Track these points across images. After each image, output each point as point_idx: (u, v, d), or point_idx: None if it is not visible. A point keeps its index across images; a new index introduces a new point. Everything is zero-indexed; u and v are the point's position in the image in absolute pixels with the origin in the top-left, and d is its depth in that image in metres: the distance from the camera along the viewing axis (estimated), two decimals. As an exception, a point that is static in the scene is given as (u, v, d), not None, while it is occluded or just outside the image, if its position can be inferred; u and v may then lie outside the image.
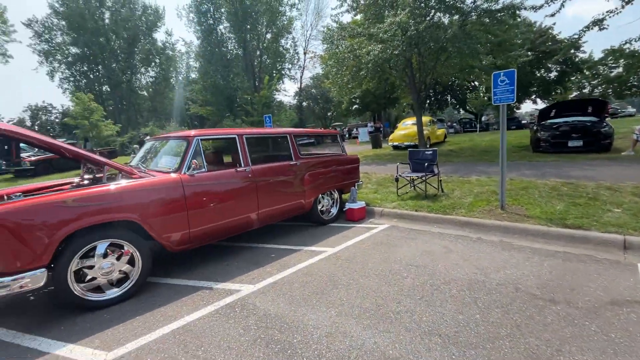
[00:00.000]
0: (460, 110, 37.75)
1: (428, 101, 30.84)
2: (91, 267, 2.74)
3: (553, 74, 27.56)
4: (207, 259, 3.80)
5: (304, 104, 46.63)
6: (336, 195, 5.27)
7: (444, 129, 19.29)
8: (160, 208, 3.09)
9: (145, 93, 40.86)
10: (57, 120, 46.03)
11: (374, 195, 6.14)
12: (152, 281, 3.24)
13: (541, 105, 36.50)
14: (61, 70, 34.52)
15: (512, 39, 10.27)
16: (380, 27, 9.53)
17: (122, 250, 2.89)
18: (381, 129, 27.26)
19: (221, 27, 30.82)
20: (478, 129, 23.67)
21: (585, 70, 27.33)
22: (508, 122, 27.70)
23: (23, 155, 12.96)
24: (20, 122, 44.55)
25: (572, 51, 25.35)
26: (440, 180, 5.87)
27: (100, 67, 35.20)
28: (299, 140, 4.82)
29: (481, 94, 25.70)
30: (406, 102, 16.24)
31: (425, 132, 13.48)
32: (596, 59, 27.92)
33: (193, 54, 33.38)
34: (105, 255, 2.79)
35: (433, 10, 10.06)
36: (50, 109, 47.00)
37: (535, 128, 10.84)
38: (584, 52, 28.38)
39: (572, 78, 28.69)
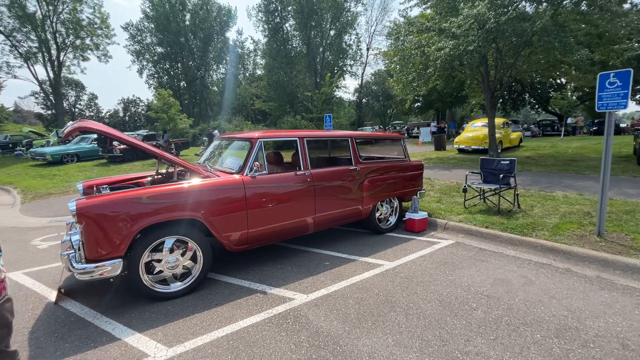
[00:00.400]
0: (540, 111, 33.66)
1: (501, 100, 28.05)
2: (159, 261, 2.92)
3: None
4: (263, 259, 3.84)
5: (364, 100, 45.94)
6: (396, 203, 4.97)
7: (520, 132, 17.33)
8: (222, 208, 3.17)
9: (215, 88, 44.04)
10: (142, 112, 52.09)
11: (436, 205, 5.68)
12: (211, 277, 3.36)
13: (647, 106, 30.88)
14: (148, 67, 38.84)
15: (618, 30, 8.66)
16: (454, 22, 8.78)
17: (187, 247, 3.03)
18: (445, 130, 25.63)
19: (287, 24, 31.71)
20: (562, 133, 20.78)
21: None
22: (601, 125, 24.03)
23: (115, 144, 14.82)
24: (115, 113, 51.33)
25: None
26: (517, 194, 5.18)
27: (179, 64, 38.81)
28: (360, 144, 4.62)
29: (569, 93, 22.51)
30: (476, 101, 14.85)
31: (497, 135, 12.23)
32: None
33: (260, 52, 34.92)
34: (171, 251, 2.95)
35: (517, 0, 8.94)
36: (138, 102, 53.31)
37: (641, 136, 9.07)
38: None
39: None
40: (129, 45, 37.11)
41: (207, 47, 38.60)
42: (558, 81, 24.23)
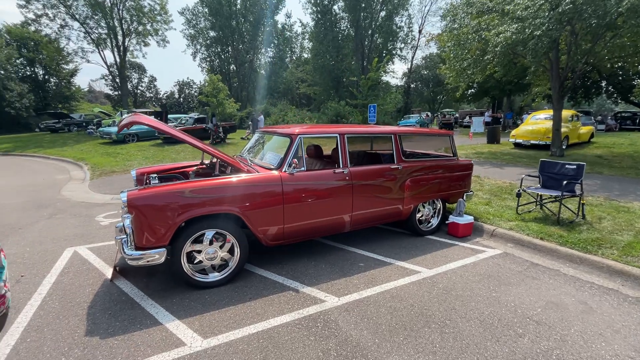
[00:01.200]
0: (619, 101, 29.45)
1: (572, 89, 24.93)
2: (199, 252, 3.06)
3: None
4: (298, 255, 3.87)
5: (412, 85, 43.80)
6: (439, 204, 4.69)
7: (592, 125, 15.37)
8: (260, 204, 3.21)
9: (263, 72, 44.90)
10: (195, 94, 55.01)
11: (484, 208, 5.27)
12: (247, 268, 3.47)
13: None
14: (201, 51, 40.62)
15: None
16: (519, 3, 7.83)
17: (225, 240, 3.14)
18: (501, 120, 23.65)
19: (336, 7, 30.90)
20: (645, 129, 18.02)
21: None
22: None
23: (169, 125, 15.87)
24: (171, 94, 54.83)
25: None
26: (583, 203, 4.60)
27: (229, 48, 40.01)
28: (405, 140, 4.38)
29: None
30: (540, 90, 13.33)
31: (563, 129, 10.95)
32: None
33: (307, 35, 34.62)
34: (211, 243, 3.08)
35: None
36: (192, 84, 56.29)
37: None
38: None
39: None
40: (185, 30, 38.95)
41: (257, 31, 39.16)
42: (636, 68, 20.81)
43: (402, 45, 35.50)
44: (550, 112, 13.11)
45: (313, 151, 4.54)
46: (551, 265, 3.61)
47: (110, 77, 34.32)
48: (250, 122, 17.96)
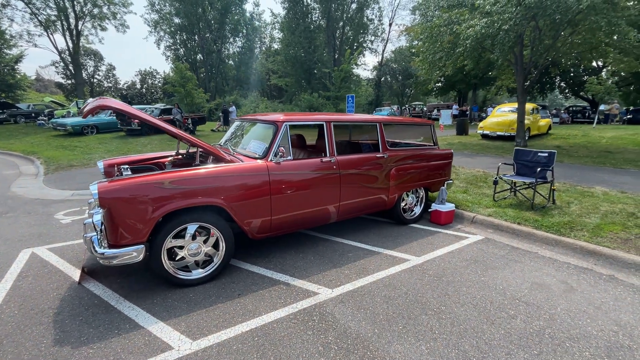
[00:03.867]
0: (570, 96, 31.80)
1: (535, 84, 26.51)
2: (181, 247, 2.83)
3: None
4: (285, 247, 3.73)
5: (382, 79, 44.39)
6: (422, 193, 4.74)
7: (549, 118, 16.42)
8: (246, 195, 3.03)
9: (231, 62, 43.31)
10: (159, 84, 52.05)
11: (462, 196, 5.42)
12: (232, 264, 3.28)
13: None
14: (165, 39, 38.37)
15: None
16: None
17: (209, 234, 2.93)
18: (467, 113, 24.61)
19: (307, -4, 30.34)
20: (595, 121, 19.57)
21: None
22: (637, 114, 22.51)
23: (132, 116, 14.83)
24: (132, 85, 51.50)
25: None
26: (554, 189, 4.85)
27: (196, 36, 38.12)
28: (387, 129, 4.35)
29: (604, 76, 20.96)
30: (504, 84, 13.99)
31: (525, 122, 11.57)
32: None
33: (278, 25, 33.83)
34: (194, 237, 2.86)
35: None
36: (155, 74, 53.18)
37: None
38: None
39: None
40: (147, 14, 36.53)
41: (224, 19, 37.63)
42: (594, 64, 22.61)
43: (373, 38, 35.78)
44: (514, 105, 13.81)
45: (296, 140, 4.38)
46: (529, 249, 3.77)
47: (61, 64, 31.48)
48: (221, 114, 17.26)
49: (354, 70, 27.61)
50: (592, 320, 2.45)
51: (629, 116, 22.49)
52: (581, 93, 26.27)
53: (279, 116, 3.51)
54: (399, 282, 3.00)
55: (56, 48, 26.79)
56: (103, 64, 46.11)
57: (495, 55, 9.31)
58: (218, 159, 3.27)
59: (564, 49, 9.67)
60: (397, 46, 44.05)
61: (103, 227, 2.54)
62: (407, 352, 2.11)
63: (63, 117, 17.56)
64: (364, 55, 36.43)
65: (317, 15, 31.13)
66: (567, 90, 30.25)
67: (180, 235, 2.81)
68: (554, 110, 26.85)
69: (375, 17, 33.77)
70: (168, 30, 37.73)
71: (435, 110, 32.50)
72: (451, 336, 2.26)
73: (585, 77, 24.87)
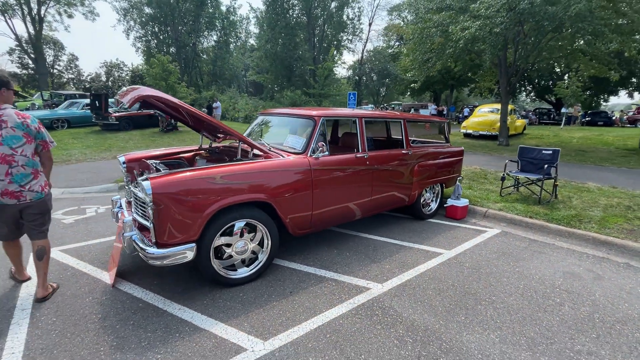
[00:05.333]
0: (535, 99, 33.96)
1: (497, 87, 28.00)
2: (228, 245, 2.72)
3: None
4: (315, 244, 3.69)
5: (356, 78, 44.87)
6: (438, 188, 4.87)
7: (523, 119, 17.44)
8: (290, 189, 2.96)
9: (205, 56, 41.86)
10: (127, 77, 49.27)
11: (469, 192, 5.62)
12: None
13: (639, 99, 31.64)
14: (136, 29, 36.35)
15: (646, 20, 8.54)
16: (484, 1, 8.42)
17: (255, 231, 2.84)
18: (445, 113, 25.54)
19: (288, -8, 29.99)
20: (563, 123, 21.05)
21: None
22: (594, 116, 24.50)
23: (110, 111, 13.96)
24: (97, 77, 48.35)
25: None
26: (557, 184, 5.16)
27: (169, 28, 36.46)
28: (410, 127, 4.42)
29: (567, 82, 22.57)
30: (485, 85, 14.69)
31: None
32: None
33: (257, 20, 33.15)
34: (241, 235, 2.75)
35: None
36: (122, 66, 50.28)
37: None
38: None
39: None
40: (115, 1, 34.43)
41: (200, 12, 36.32)
42: (570, 70, 24.24)
43: (351, 37, 36.07)
44: (493, 106, 14.52)
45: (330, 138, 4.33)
46: (546, 240, 3.99)
47: (19, 51, 28.93)
48: (204, 109, 16.67)
49: (334, 69, 27.70)
50: (629, 304, 2.64)
51: (587, 118, 24.43)
52: (546, 96, 28.13)
53: (312, 111, 3.46)
54: (442, 274, 3.06)
55: (15, 34, 24.58)
56: (64, 54, 42.94)
57: (487, 57, 9.73)
58: (258, 155, 3.17)
59: (544, 53, 10.30)
60: (375, 45, 44.60)
61: (152, 224, 2.38)
62: (480, 341, 2.17)
63: (27, 109, 16.18)
64: (341, 54, 36.66)
65: (297, 11, 30.88)
66: (532, 93, 32.30)
67: (226, 233, 2.69)
68: (524, 112, 28.52)
69: (355, 16, 34.12)
70: (139, 20, 35.80)
71: (412, 110, 33.44)
72: (513, 324, 2.35)
73: (550, 82, 26.69)
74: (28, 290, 2.66)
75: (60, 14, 25.40)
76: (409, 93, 38.66)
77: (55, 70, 42.43)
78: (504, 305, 2.58)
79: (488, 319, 2.40)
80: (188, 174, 2.46)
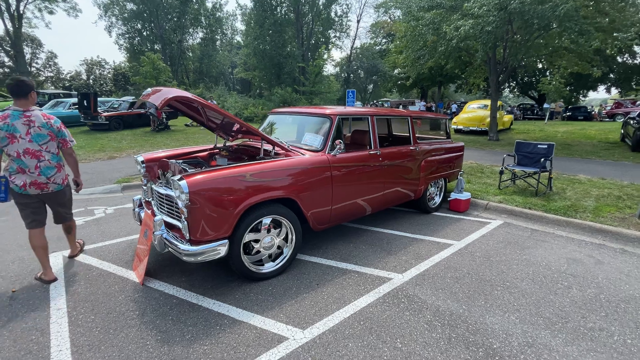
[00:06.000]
0: (518, 94, 34.94)
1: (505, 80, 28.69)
2: (256, 241, 2.81)
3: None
4: (330, 238, 3.81)
5: (344, 75, 45.06)
6: (442, 183, 5.06)
7: (510, 115, 17.98)
8: (312, 186, 3.07)
9: (191, 54, 41.17)
10: (109, 75, 47.90)
11: (469, 186, 5.85)
12: (293, 257, 3.30)
13: (616, 95, 32.97)
14: (118, 26, 35.39)
15: (627, 18, 8.99)
16: (477, 0, 8.67)
17: (280, 226, 2.94)
18: (433, 109, 26.00)
19: (276, -11, 29.78)
20: (547, 118, 21.83)
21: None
22: (574, 111, 25.43)
23: (99, 110, 13.63)
24: (77, 75, 46.84)
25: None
26: (551, 177, 5.44)
27: (152, 25, 35.66)
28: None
29: (549, 77, 23.34)
30: (475, 82, 15.06)
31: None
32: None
33: (244, 17, 32.80)
34: (268, 231, 2.85)
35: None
36: (104, 64, 48.85)
37: (636, 122, 9.67)
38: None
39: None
40: (96, -3, 33.35)
41: (185, 8, 35.64)
42: (539, 66, 25.06)
43: (339, 34, 36.17)
44: (482, 102, 14.91)
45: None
46: (546, 229, 4.23)
47: (-5, 49, 27.77)
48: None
49: (324, 66, 27.74)
50: (629, 285, 2.88)
51: (568, 114, 25.33)
52: (529, 92, 28.99)
53: (325, 110, 3.58)
54: (456, 264, 3.24)
55: (-9, 31, 23.57)
56: (42, 51, 41.42)
57: (479, 54, 10.02)
58: (279, 153, 3.26)
59: (531, 52, 10.67)
60: (363, 42, 44.84)
61: (186, 222, 2.44)
62: (502, 322, 2.34)
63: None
64: (329, 51, 36.73)
65: (285, 8, 30.72)
66: (515, 89, 33.21)
67: (254, 229, 2.78)
68: (509, 108, 29.32)
69: (343, 13, 34.18)
70: (120, 16, 34.84)
71: (401, 106, 33.87)
72: (529, 307, 2.54)
73: (533, 79, 27.51)
74: (57, 291, 2.68)
75: (40, 9, 24.48)
76: (396, 90, 39.07)
77: (33, 69, 40.89)
78: (518, 290, 2.77)
79: (506, 303, 2.58)
80: (221, 172, 2.53)
